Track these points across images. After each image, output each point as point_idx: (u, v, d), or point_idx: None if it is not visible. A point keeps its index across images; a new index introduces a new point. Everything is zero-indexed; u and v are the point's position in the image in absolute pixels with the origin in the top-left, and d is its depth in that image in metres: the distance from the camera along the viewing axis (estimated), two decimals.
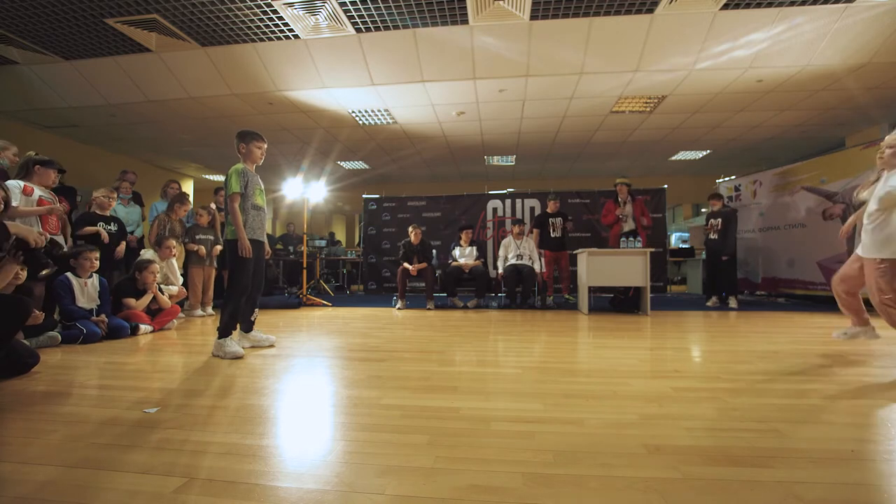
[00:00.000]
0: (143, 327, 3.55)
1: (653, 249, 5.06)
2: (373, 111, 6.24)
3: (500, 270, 5.91)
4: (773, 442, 1.33)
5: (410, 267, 5.64)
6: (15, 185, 3.05)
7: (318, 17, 4.13)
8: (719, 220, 5.93)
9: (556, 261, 6.16)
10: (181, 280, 4.45)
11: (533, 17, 4.11)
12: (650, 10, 4.01)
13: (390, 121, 6.64)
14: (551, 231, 6.09)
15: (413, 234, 5.82)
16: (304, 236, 6.72)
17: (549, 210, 6.19)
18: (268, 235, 3.14)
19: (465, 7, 3.97)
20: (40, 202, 3.15)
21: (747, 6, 3.92)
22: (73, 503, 1.01)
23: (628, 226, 5.88)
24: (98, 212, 4.15)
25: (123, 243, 4.30)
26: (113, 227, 4.21)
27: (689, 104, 6.02)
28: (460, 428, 1.47)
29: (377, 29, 4.32)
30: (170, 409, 1.67)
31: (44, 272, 2.33)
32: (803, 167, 6.20)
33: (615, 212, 5.89)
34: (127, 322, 3.44)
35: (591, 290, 5.16)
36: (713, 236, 5.95)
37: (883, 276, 2.34)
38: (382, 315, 4.93)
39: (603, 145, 8.01)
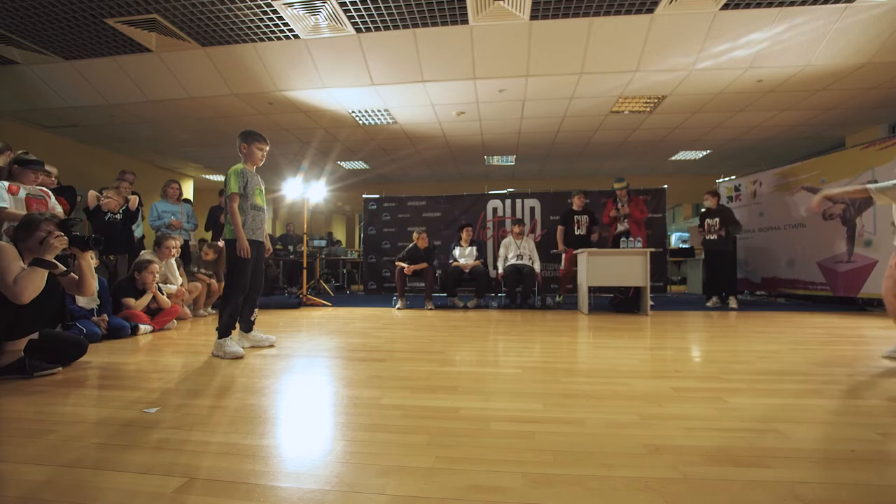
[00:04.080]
0: (143, 327, 3.55)
1: (653, 249, 5.06)
2: (373, 111, 6.24)
3: (500, 270, 5.90)
4: (773, 442, 1.33)
5: (405, 266, 5.62)
6: (1, 185, 3.02)
7: (318, 17, 4.13)
8: (716, 219, 5.85)
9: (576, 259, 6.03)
10: (180, 280, 4.45)
11: (533, 17, 4.11)
12: (650, 10, 4.01)
13: (390, 121, 6.64)
14: (576, 228, 5.91)
15: (420, 240, 5.78)
16: (304, 236, 6.72)
17: (574, 207, 6.01)
18: (268, 235, 3.14)
19: (465, 7, 3.97)
20: (27, 200, 3.08)
21: (747, 6, 3.92)
22: (73, 503, 1.01)
23: (623, 226, 5.78)
24: (106, 209, 4.28)
25: (135, 197, 4.54)
26: (119, 216, 4.35)
27: (689, 104, 6.02)
28: (460, 428, 1.47)
29: (377, 29, 4.32)
30: (170, 409, 1.67)
31: (95, 245, 2.44)
32: (803, 167, 6.20)
33: (609, 213, 5.85)
34: (127, 322, 3.44)
35: (591, 290, 5.15)
36: (711, 237, 5.87)
37: None
38: (382, 315, 4.93)
39: (603, 145, 8.01)
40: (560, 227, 6.13)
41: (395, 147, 8.06)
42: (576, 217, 5.95)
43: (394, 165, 9.36)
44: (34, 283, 2.07)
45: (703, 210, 6.14)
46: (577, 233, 5.91)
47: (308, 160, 8.79)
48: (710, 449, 1.28)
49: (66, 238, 2.28)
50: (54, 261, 2.22)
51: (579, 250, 5.21)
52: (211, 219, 6.96)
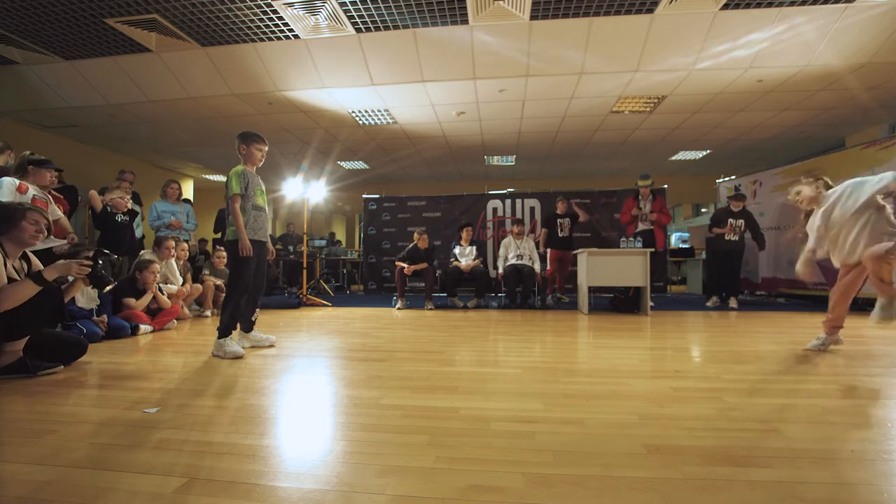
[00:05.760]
0: (144, 327, 3.55)
1: (653, 249, 5.06)
2: (373, 111, 6.24)
3: (500, 270, 5.91)
4: (773, 442, 1.34)
5: (405, 266, 5.62)
6: (10, 182, 3.03)
7: (318, 17, 4.13)
8: (741, 221, 5.83)
9: (561, 260, 6.20)
10: (181, 280, 4.45)
11: (533, 17, 4.11)
12: (650, 10, 4.01)
13: (390, 121, 6.64)
14: (559, 231, 6.13)
15: (420, 240, 5.80)
16: (304, 236, 6.72)
17: (558, 211, 6.22)
18: (269, 237, 3.14)
19: (465, 7, 3.97)
20: (34, 202, 3.10)
21: (747, 6, 3.92)
22: (73, 503, 1.01)
23: (644, 225, 5.86)
24: (115, 210, 4.31)
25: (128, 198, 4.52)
26: (127, 217, 4.39)
27: (689, 104, 6.02)
28: (460, 428, 1.47)
29: (377, 29, 4.32)
30: (170, 409, 1.67)
31: (108, 287, 2.52)
32: (803, 167, 6.20)
33: (631, 211, 5.92)
34: (127, 322, 3.44)
35: (591, 290, 5.16)
36: (732, 237, 5.84)
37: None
38: (382, 315, 4.93)
39: (603, 145, 8.01)
40: (544, 230, 6.32)
41: (395, 147, 8.07)
42: (559, 220, 6.15)
43: (394, 165, 9.36)
44: (17, 296, 2.06)
45: (717, 209, 6.16)
46: (560, 235, 6.12)
47: (308, 160, 8.79)
48: (710, 449, 1.28)
49: (89, 269, 2.27)
50: (51, 281, 2.19)
51: (580, 251, 5.22)
52: (219, 221, 6.98)
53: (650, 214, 5.83)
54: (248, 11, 4.04)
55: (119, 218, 4.29)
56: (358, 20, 4.18)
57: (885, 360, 2.51)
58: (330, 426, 1.52)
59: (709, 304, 5.87)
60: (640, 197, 5.92)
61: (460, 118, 6.59)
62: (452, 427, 1.47)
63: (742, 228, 5.82)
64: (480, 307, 5.75)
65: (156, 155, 8.65)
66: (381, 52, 4.71)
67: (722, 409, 1.65)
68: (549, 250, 6.19)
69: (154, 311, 3.80)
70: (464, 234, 6.07)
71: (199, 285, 4.73)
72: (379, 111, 6.24)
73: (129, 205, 4.42)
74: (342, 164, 9.24)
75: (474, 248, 6.04)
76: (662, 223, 5.86)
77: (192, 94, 5.58)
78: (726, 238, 5.86)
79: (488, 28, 4.29)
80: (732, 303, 5.71)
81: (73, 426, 1.49)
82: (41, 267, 2.37)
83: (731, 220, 5.87)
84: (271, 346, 2.98)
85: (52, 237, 3.24)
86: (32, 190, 3.13)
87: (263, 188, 2.99)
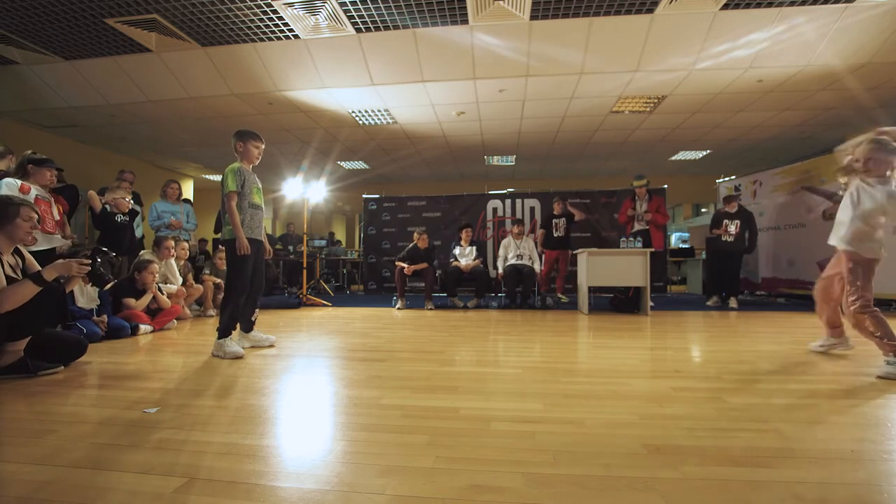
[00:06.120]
0: (143, 327, 3.55)
1: (653, 249, 5.06)
2: (373, 111, 6.24)
3: (500, 270, 5.91)
4: (773, 442, 1.33)
5: (405, 266, 5.62)
6: (13, 183, 3.05)
7: (318, 17, 4.13)
8: (737, 221, 5.84)
9: (556, 260, 6.26)
10: (180, 280, 4.45)
11: (533, 17, 4.11)
12: (650, 10, 4.01)
13: (390, 121, 6.64)
14: (554, 231, 6.20)
15: (420, 240, 5.80)
16: (304, 236, 6.72)
17: (554, 211, 6.29)
18: (267, 235, 3.14)
19: (465, 7, 3.98)
20: (36, 202, 3.12)
21: (747, 6, 3.92)
22: (73, 503, 1.01)
23: (641, 225, 5.90)
24: (116, 210, 4.32)
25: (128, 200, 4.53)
26: (127, 219, 4.41)
27: (689, 104, 6.02)
28: (460, 428, 1.47)
29: (377, 29, 4.32)
30: (170, 409, 1.67)
31: (108, 285, 2.60)
32: (803, 167, 6.20)
33: (627, 212, 5.97)
34: (127, 322, 3.44)
35: (591, 290, 5.16)
36: (727, 238, 5.84)
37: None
38: (382, 315, 4.93)
39: (603, 145, 8.01)
40: (541, 231, 6.42)
41: (395, 147, 8.07)
42: (554, 221, 6.23)
43: (394, 165, 9.36)
44: (17, 296, 2.06)
45: (717, 210, 6.21)
46: (555, 235, 6.20)
47: (308, 160, 8.79)
48: (710, 449, 1.28)
49: (88, 268, 2.28)
50: (50, 282, 2.19)
51: (580, 251, 5.23)
52: (219, 221, 6.97)
53: (646, 214, 5.85)
54: (248, 11, 4.04)
55: (119, 218, 4.30)
56: (358, 20, 4.18)
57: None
58: (330, 426, 1.52)
59: (709, 302, 5.87)
60: (636, 197, 5.95)
61: (460, 118, 6.59)
62: (452, 427, 1.47)
63: (738, 229, 5.85)
64: (480, 307, 5.75)
65: (156, 155, 8.65)
66: (381, 52, 4.71)
67: (722, 409, 1.65)
68: (544, 251, 6.24)
69: (154, 311, 3.81)
70: (463, 235, 6.06)
71: (199, 286, 4.73)
72: (379, 111, 6.24)
73: (130, 205, 4.42)
74: (342, 164, 9.24)
75: (474, 248, 6.04)
76: (659, 223, 5.89)
77: (192, 94, 5.59)
78: (722, 239, 5.89)
79: (488, 28, 4.29)
80: (732, 303, 5.71)
81: (73, 426, 1.49)
82: (34, 261, 2.37)
83: (725, 221, 5.90)
84: (271, 346, 2.98)
85: (56, 235, 3.27)
86: (35, 190, 3.16)
87: (260, 186, 2.98)
